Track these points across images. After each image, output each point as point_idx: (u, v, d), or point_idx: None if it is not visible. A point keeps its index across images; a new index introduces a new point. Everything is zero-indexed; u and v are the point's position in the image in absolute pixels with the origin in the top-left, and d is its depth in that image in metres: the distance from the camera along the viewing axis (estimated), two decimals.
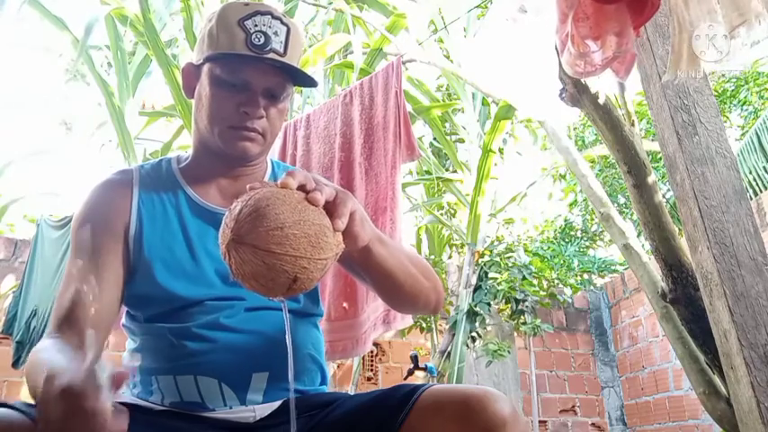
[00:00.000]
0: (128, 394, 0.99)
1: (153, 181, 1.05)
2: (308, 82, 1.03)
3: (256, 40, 0.94)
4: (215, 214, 1.01)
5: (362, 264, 0.87)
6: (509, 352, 3.74)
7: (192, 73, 1.04)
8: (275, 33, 0.96)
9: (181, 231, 1.00)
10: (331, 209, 0.71)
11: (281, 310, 0.99)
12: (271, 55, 0.95)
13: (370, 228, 0.81)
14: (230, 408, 0.93)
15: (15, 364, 3.61)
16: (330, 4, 3.81)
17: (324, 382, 1.06)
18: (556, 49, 1.56)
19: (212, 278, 0.97)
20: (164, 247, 0.98)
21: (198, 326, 0.94)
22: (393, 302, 1.00)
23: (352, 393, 0.99)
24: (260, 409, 0.94)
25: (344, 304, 2.12)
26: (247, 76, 0.96)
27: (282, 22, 0.97)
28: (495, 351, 3.56)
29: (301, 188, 0.71)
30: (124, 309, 1.04)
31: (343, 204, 0.72)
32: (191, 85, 1.04)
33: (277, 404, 0.95)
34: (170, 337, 0.94)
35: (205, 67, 1.00)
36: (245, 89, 0.97)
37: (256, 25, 0.95)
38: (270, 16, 0.96)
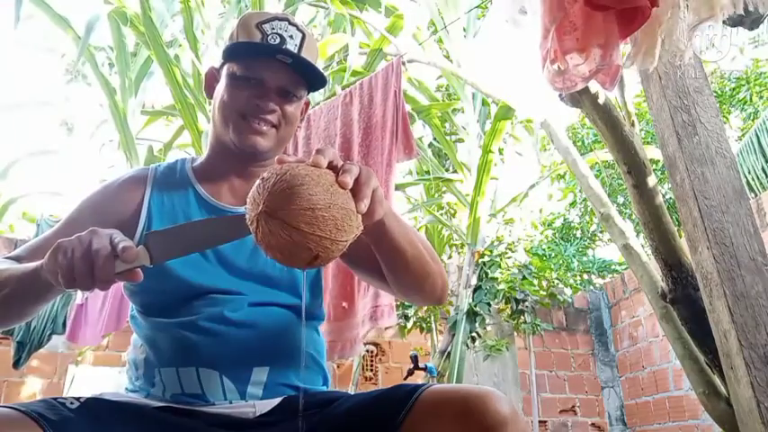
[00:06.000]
0: (130, 388, 1.00)
1: (166, 180, 1.08)
2: (320, 80, 1.06)
3: (272, 40, 1.00)
4: (224, 212, 1.04)
5: (375, 238, 0.88)
6: (507, 349, 3.74)
7: (213, 75, 1.09)
8: (291, 37, 1.01)
9: None
10: (355, 189, 0.73)
11: (285, 306, 1.00)
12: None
13: (387, 203, 0.83)
14: (230, 402, 0.94)
15: (15, 364, 3.61)
16: (331, 5, 3.81)
17: (325, 383, 1.06)
18: None
19: (218, 270, 0.99)
20: None
21: (202, 319, 0.96)
22: (401, 282, 0.99)
23: (352, 393, 0.99)
24: (260, 405, 0.94)
25: (344, 304, 2.13)
26: (261, 72, 1.00)
27: (298, 29, 1.02)
28: (493, 347, 3.57)
29: (330, 165, 0.74)
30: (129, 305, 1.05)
31: (367, 185, 0.74)
32: (211, 86, 1.09)
33: (277, 401, 0.96)
34: (175, 330, 0.96)
35: (224, 68, 1.04)
36: (258, 84, 1.01)
37: (273, 28, 1.00)
38: (287, 22, 1.02)
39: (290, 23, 1.02)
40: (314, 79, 1.04)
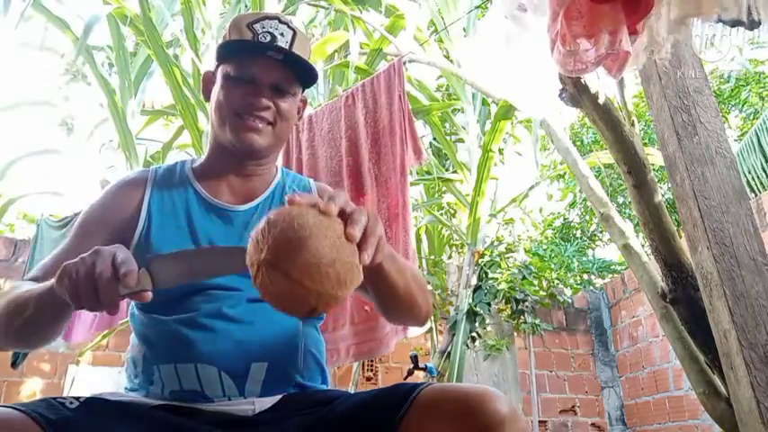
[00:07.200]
0: (129, 386, 1.01)
1: (166, 180, 1.10)
2: (311, 75, 1.07)
3: (263, 38, 1.02)
4: (223, 210, 1.06)
5: (371, 277, 0.88)
6: (507, 348, 3.74)
7: (209, 78, 1.12)
8: (281, 35, 1.03)
9: (188, 225, 1.04)
10: (361, 240, 0.72)
11: None
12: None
13: (388, 248, 0.84)
14: (229, 399, 0.94)
15: (15, 364, 3.61)
16: (330, 5, 3.81)
17: (324, 382, 1.06)
18: None
19: None
20: (170, 239, 1.01)
21: (201, 315, 0.96)
22: (388, 312, 1.04)
23: (352, 392, 1.00)
24: (259, 403, 0.95)
25: (366, 307, 2.16)
26: (254, 71, 1.03)
27: (289, 27, 1.04)
28: (493, 346, 3.57)
29: (340, 213, 0.72)
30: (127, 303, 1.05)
31: (372, 235, 0.73)
32: (208, 89, 1.11)
33: (276, 398, 0.96)
34: (173, 326, 0.96)
35: (219, 70, 1.07)
36: (251, 82, 1.03)
37: (264, 27, 1.03)
38: (277, 21, 1.04)
39: (281, 22, 1.04)
40: (306, 75, 1.06)
